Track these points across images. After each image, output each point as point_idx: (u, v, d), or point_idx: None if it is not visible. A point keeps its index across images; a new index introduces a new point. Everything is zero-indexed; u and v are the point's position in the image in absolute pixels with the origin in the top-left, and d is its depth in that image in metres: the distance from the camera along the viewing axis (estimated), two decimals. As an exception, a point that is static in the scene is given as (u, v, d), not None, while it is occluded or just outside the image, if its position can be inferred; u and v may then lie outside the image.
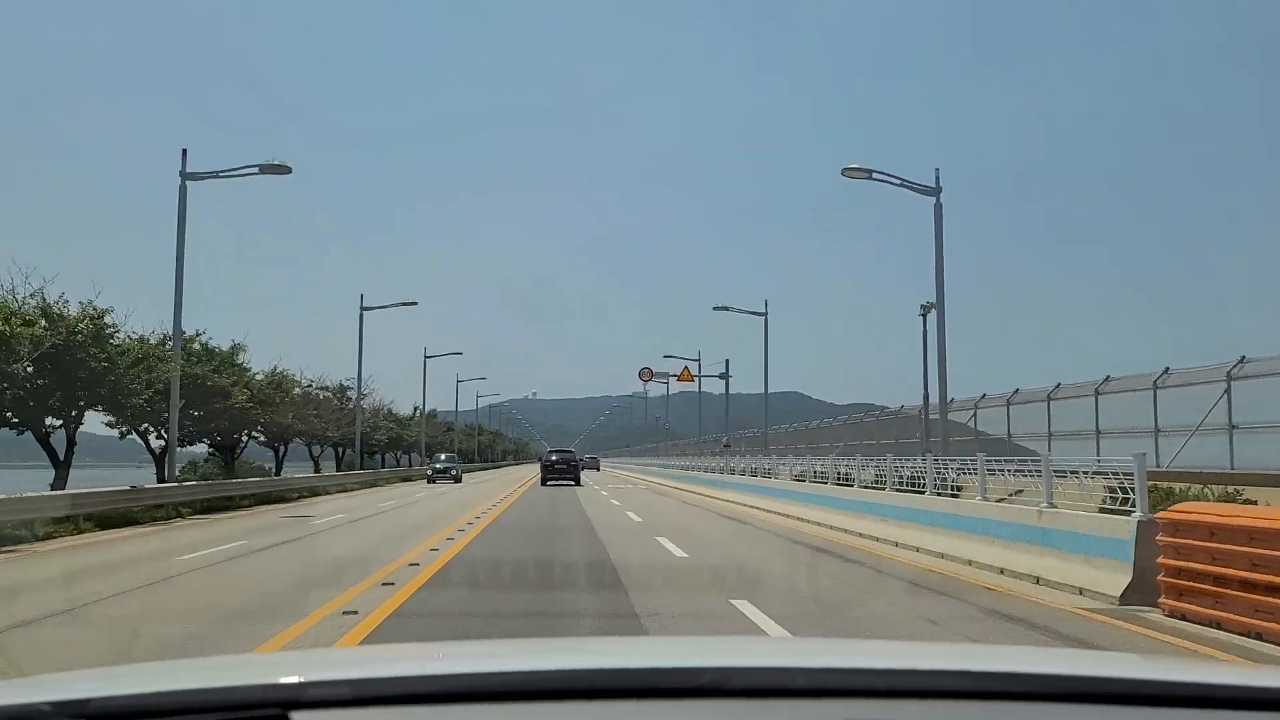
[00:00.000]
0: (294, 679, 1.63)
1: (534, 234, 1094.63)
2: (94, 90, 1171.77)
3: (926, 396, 29.56)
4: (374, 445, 58.52)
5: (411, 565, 12.50)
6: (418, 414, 71.12)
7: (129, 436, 25.96)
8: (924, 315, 29.94)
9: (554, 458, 49.50)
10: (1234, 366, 18.61)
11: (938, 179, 23.56)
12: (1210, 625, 8.40)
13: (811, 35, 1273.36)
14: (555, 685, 1.62)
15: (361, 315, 46.49)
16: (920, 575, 12.40)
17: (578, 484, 45.11)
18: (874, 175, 24.00)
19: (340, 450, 51.73)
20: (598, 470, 78.09)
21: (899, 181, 23.72)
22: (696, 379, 59.46)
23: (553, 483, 45.43)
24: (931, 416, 27.74)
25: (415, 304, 49.33)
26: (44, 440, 21.94)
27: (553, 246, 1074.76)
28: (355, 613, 8.81)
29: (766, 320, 44.18)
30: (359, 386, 49.03)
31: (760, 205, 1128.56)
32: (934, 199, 23.44)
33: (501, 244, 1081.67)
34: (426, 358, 66.13)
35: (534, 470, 64.06)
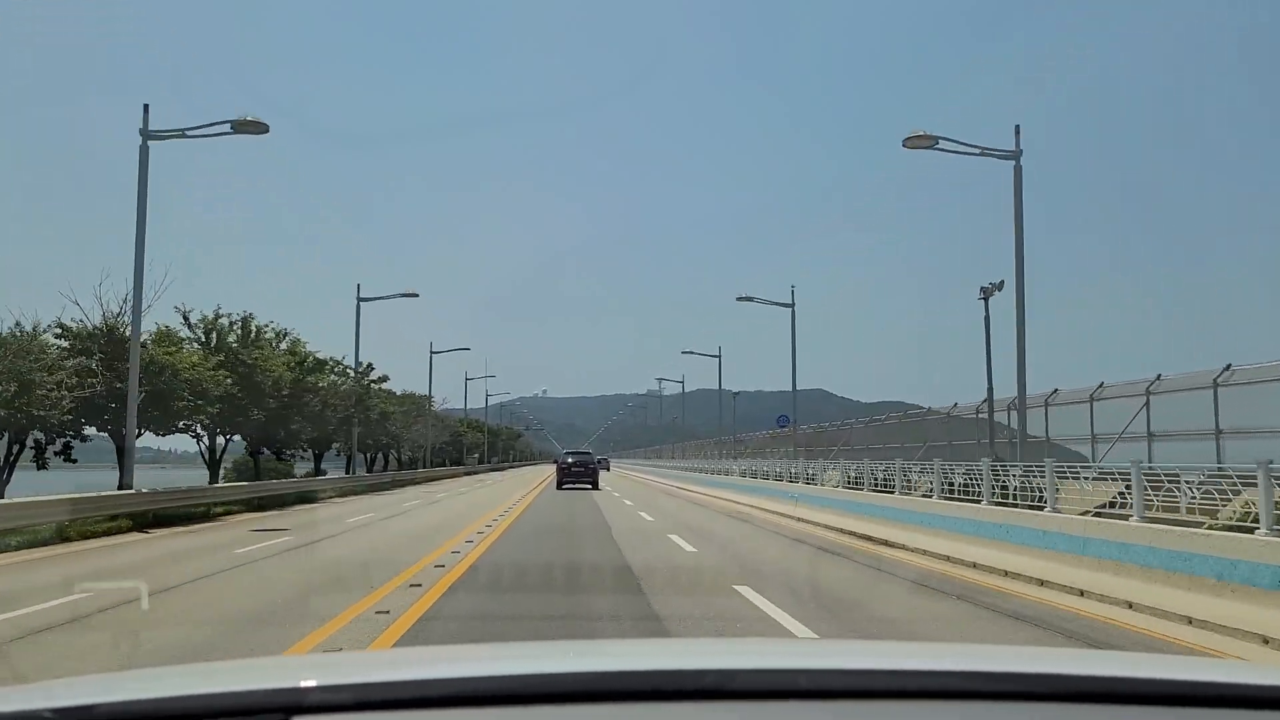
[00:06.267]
0: (297, 683, 1.64)
1: (536, 233, 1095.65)
2: (89, 90, 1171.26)
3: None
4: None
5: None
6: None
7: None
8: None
9: (570, 460, 48.15)
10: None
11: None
12: None
13: (811, 35, 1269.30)
14: (558, 688, 1.64)
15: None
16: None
17: (595, 488, 44.07)
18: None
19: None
20: (607, 470, 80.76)
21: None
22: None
23: (569, 485, 44.39)
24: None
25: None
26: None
27: (556, 246, 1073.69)
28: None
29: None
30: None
31: (764, 204, 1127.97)
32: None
33: (506, 242, 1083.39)
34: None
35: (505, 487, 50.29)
